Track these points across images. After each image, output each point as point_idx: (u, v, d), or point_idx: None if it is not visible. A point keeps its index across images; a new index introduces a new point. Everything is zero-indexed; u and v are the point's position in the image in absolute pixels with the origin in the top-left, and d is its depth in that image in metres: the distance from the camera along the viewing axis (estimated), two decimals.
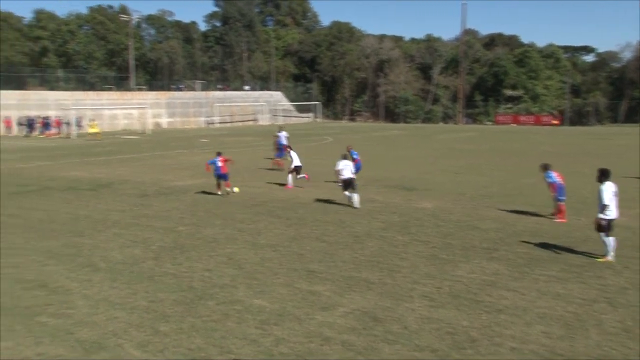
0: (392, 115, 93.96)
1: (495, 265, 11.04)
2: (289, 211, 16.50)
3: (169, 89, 77.14)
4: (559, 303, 8.96)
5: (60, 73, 75.58)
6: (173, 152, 36.04)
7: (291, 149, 22.58)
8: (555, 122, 78.05)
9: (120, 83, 77.51)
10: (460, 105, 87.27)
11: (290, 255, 11.78)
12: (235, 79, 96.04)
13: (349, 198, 17.11)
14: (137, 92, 71.31)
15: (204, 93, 77.31)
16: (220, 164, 19.21)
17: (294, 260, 11.45)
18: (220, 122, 73.68)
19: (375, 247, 12.37)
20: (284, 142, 28.47)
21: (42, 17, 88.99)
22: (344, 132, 57.15)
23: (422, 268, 10.85)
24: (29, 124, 54.81)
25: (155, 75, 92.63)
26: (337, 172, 17.41)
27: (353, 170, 17.64)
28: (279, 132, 29.85)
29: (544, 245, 12.48)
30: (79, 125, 54.73)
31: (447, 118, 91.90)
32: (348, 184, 17.23)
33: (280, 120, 79.33)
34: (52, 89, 67.38)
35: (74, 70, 78.86)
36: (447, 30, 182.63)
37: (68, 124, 54.86)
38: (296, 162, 21.41)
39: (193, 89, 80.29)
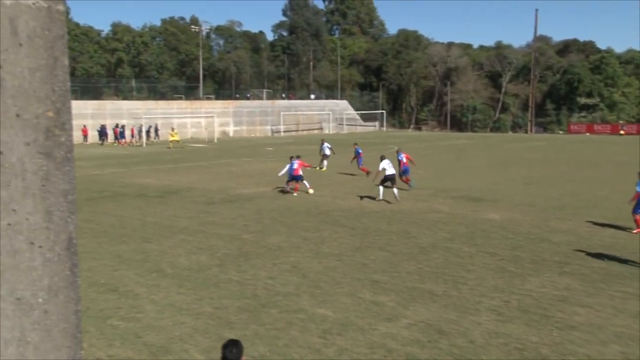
0: (459, 124, 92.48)
1: (568, 279, 10.61)
2: (353, 220, 16.48)
3: (236, 98, 78.88)
4: (638, 322, 8.50)
5: (133, 83, 78.75)
6: (239, 160, 36.74)
7: (325, 158, 23.16)
8: (622, 132, 74.13)
9: (189, 92, 79.97)
10: (531, 114, 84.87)
11: (354, 265, 11.74)
12: (301, 88, 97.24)
13: (381, 192, 19.94)
14: (206, 101, 73.28)
15: (270, 102, 78.59)
16: (295, 166, 21.60)
17: (358, 270, 11.41)
18: (285, 131, 74.65)
19: (441, 259, 12.16)
20: (327, 152, 30.82)
21: (119, 30, 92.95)
22: (409, 141, 56.65)
23: (490, 281, 10.56)
24: (102, 132, 57.21)
25: (223, 85, 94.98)
26: (381, 171, 20.07)
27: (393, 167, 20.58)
28: (323, 143, 31.31)
29: (622, 260, 11.90)
30: (156, 133, 58.00)
31: (516, 127, 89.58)
32: (388, 180, 19.78)
33: (345, 129, 79.56)
34: (125, 98, 70.23)
35: (146, 80, 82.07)
36: (518, 37, 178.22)
37: (146, 132, 57.31)
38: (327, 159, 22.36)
39: (260, 98, 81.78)
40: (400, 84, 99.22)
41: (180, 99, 73.64)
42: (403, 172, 22.75)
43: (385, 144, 51.36)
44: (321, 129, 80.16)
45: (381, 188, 20.03)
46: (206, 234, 14.83)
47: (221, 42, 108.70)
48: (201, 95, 79.77)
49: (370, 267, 11.56)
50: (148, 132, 57.73)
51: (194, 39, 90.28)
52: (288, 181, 21.97)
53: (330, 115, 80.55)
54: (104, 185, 24.89)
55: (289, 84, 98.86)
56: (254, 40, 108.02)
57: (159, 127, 59.86)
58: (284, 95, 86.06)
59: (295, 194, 21.13)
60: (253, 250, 13.14)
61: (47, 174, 1.60)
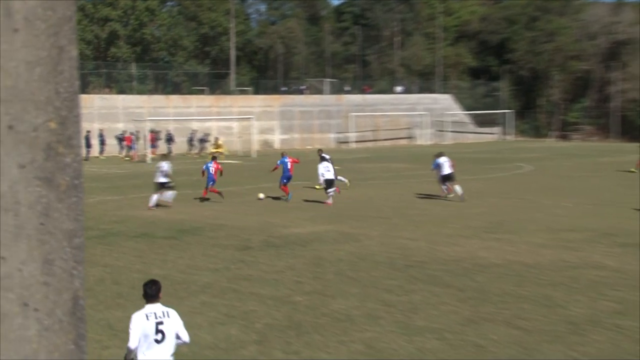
0: (630, 131, 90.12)
1: None
2: (461, 277, 16.35)
3: (284, 92, 79.54)
4: None
5: (133, 69, 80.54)
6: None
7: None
8: None
9: (215, 83, 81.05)
10: None
11: (464, 347, 11.65)
12: (381, 76, 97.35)
13: (446, 190, 29.35)
14: (239, 97, 74.39)
15: (334, 97, 78.98)
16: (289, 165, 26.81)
17: (470, 354, 11.31)
18: (357, 141, 74.91)
19: (606, 343, 11.91)
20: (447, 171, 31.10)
21: None
22: (550, 156, 55.81)
23: None
24: (100, 140, 59.21)
25: (265, 72, 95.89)
26: (438, 171, 28.95)
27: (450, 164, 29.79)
28: (438, 157, 31.17)
29: None
30: (201, 143, 61.89)
31: None
32: (447, 178, 29.56)
33: (449, 138, 79.06)
34: (121, 91, 72.07)
35: (152, 65, 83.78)
36: None
37: (165, 140, 59.97)
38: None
39: (319, 92, 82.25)
40: (535, 68, 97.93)
41: (201, 92, 74.90)
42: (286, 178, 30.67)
43: (509, 161, 50.78)
44: (411, 137, 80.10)
45: (444, 187, 29.03)
46: (239, 295, 15.05)
47: (262, 7, 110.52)
48: (233, 87, 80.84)
49: (490, 352, 11.44)
50: (191, 140, 61.95)
51: (223, 3, 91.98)
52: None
53: (426, 117, 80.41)
54: (90, 220, 25.60)
55: (364, 71, 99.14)
56: (310, 5, 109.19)
57: (196, 136, 62.86)
58: (352, 88, 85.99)
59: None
60: (309, 320, 13.23)
61: (47, 208, 1.74)
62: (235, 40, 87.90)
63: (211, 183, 30.60)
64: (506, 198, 30.40)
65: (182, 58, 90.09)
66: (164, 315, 8.70)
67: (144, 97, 68.15)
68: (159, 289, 8.93)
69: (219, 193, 30.49)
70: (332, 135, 75.67)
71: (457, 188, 29.41)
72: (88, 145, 58.30)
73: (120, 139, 59.75)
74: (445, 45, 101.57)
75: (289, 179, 30.88)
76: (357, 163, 50.75)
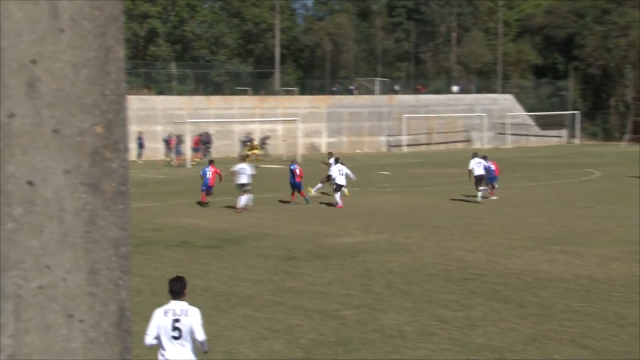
0: None
1: None
2: (522, 292, 16.25)
3: (332, 92, 79.57)
4: None
5: (173, 68, 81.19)
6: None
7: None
8: None
9: (258, 83, 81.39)
10: None
11: None
12: (436, 75, 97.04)
13: (481, 194, 31.59)
14: (284, 97, 74.67)
15: (386, 98, 78.88)
16: (298, 171, 29.76)
17: None
18: (410, 144, 74.75)
19: None
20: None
21: None
22: (622, 162, 55.06)
23: None
24: (139, 143, 60.09)
25: (312, 71, 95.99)
26: (471, 172, 31.80)
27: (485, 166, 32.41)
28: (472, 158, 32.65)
29: None
30: (262, 146, 62.75)
31: None
32: (480, 180, 31.70)
33: (510, 141, 78.50)
34: (161, 92, 72.70)
35: (192, 64, 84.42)
36: None
37: (209, 144, 60.66)
38: None
39: (370, 92, 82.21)
40: (606, 65, 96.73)
41: (244, 93, 75.22)
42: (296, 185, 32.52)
43: (577, 166, 50.24)
44: (469, 140, 79.61)
45: (480, 189, 31.82)
46: (284, 308, 15.13)
47: (309, 1, 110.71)
48: (277, 87, 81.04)
49: None
50: (208, 142, 61.91)
51: None
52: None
53: (485, 119, 79.91)
54: None
55: (418, 70, 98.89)
56: (360, 0, 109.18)
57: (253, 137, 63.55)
58: (397, 88, 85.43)
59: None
60: (358, 335, 13.25)
61: (93, 215, 1.80)
62: (280, 38, 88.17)
63: (204, 188, 31.93)
64: (572, 207, 30.13)
65: (224, 56, 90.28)
66: (181, 313, 9.21)
67: (184, 98, 68.74)
68: (184, 286, 9.52)
69: (205, 202, 31.91)
70: (383, 139, 75.59)
71: (480, 192, 32.05)
72: (141, 147, 59.72)
73: (167, 142, 60.54)
74: (507, 41, 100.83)
75: (297, 186, 32.48)
76: (409, 168, 50.68)
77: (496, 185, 34.13)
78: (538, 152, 66.18)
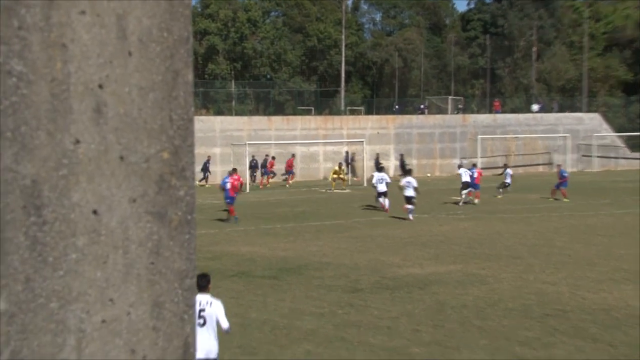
0: None
1: None
2: (612, 330, 15.99)
3: (400, 111, 79.62)
4: None
5: (232, 87, 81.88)
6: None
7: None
8: None
9: (322, 102, 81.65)
10: None
11: None
12: (514, 93, 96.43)
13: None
14: (349, 117, 74.86)
15: (459, 118, 78.66)
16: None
17: None
18: (485, 167, 74.14)
19: None
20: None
21: (211, 1, 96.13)
22: None
23: None
24: (205, 167, 61.09)
25: (379, 89, 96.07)
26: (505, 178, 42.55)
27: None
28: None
29: None
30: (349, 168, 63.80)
31: None
32: (465, 186, 40.86)
33: (596, 164, 77.50)
34: (220, 112, 73.40)
35: (252, 83, 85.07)
36: None
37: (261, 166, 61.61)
38: None
39: (441, 111, 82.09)
40: None
41: (307, 113, 75.51)
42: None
43: None
44: (550, 163, 78.71)
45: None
46: (347, 344, 15.10)
47: (377, 16, 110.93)
48: (342, 106, 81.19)
49: None
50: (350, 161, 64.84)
51: (333, 12, 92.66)
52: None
53: (569, 140, 79.05)
54: None
55: (493, 87, 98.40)
56: (432, 13, 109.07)
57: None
58: (460, 107, 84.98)
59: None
60: None
61: (158, 246, 1.84)
62: (346, 54, 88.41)
63: (228, 200, 33.94)
64: None
65: (286, 74, 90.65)
66: (207, 304, 11.43)
67: (244, 119, 69.31)
68: (208, 281, 11.71)
69: (228, 217, 34.61)
70: (456, 161, 75.17)
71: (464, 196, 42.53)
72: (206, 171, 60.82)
73: (253, 166, 61.47)
74: (593, 56, 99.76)
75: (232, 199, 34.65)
76: (484, 193, 50.30)
77: (479, 192, 44.10)
78: (628, 177, 65.06)
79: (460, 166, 46.13)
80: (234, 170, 35.36)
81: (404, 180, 36.21)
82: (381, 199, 38.66)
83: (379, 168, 39.62)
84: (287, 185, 59.70)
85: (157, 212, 1.85)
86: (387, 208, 37.96)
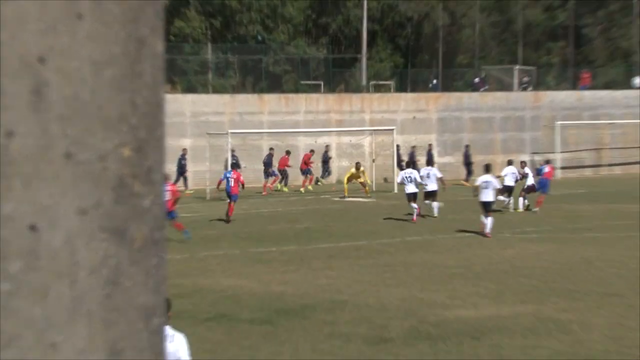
0: None
1: None
2: None
3: (444, 88, 79.02)
4: None
5: (209, 53, 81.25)
6: (452, 235, 37.07)
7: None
8: None
9: (335, 75, 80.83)
10: None
11: None
12: (609, 62, 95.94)
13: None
14: (373, 96, 74.35)
15: (530, 96, 78.04)
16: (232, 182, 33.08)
17: None
18: (567, 167, 73.77)
19: None
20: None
21: None
22: None
23: None
24: (180, 165, 61.42)
25: (415, 56, 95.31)
26: (530, 178, 45.32)
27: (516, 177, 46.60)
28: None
29: None
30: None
31: None
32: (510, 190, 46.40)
33: None
34: (190, 89, 72.97)
35: (237, 48, 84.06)
36: None
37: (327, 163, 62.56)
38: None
39: (504, 87, 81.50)
40: None
41: (314, 90, 74.67)
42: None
43: None
44: None
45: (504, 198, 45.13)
46: None
47: None
48: (364, 81, 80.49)
49: None
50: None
51: None
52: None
53: None
54: None
55: (579, 53, 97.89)
56: None
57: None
58: (526, 79, 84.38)
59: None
60: None
61: (117, 274, 1.87)
62: (369, 6, 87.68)
63: (234, 199, 37.86)
64: None
65: (284, 35, 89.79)
66: (169, 340, 11.72)
67: (225, 98, 68.67)
68: (168, 307, 11.22)
69: (227, 218, 38.51)
70: (526, 157, 74.88)
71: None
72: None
73: (268, 165, 61.43)
74: None
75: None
76: (566, 202, 50.22)
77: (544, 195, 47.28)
78: None
79: (521, 163, 48.85)
80: (235, 165, 38.18)
81: (480, 180, 38.60)
82: (413, 204, 41.98)
83: (407, 164, 40.83)
84: (302, 190, 59.57)
85: (114, 228, 1.86)
86: (415, 217, 41.96)
